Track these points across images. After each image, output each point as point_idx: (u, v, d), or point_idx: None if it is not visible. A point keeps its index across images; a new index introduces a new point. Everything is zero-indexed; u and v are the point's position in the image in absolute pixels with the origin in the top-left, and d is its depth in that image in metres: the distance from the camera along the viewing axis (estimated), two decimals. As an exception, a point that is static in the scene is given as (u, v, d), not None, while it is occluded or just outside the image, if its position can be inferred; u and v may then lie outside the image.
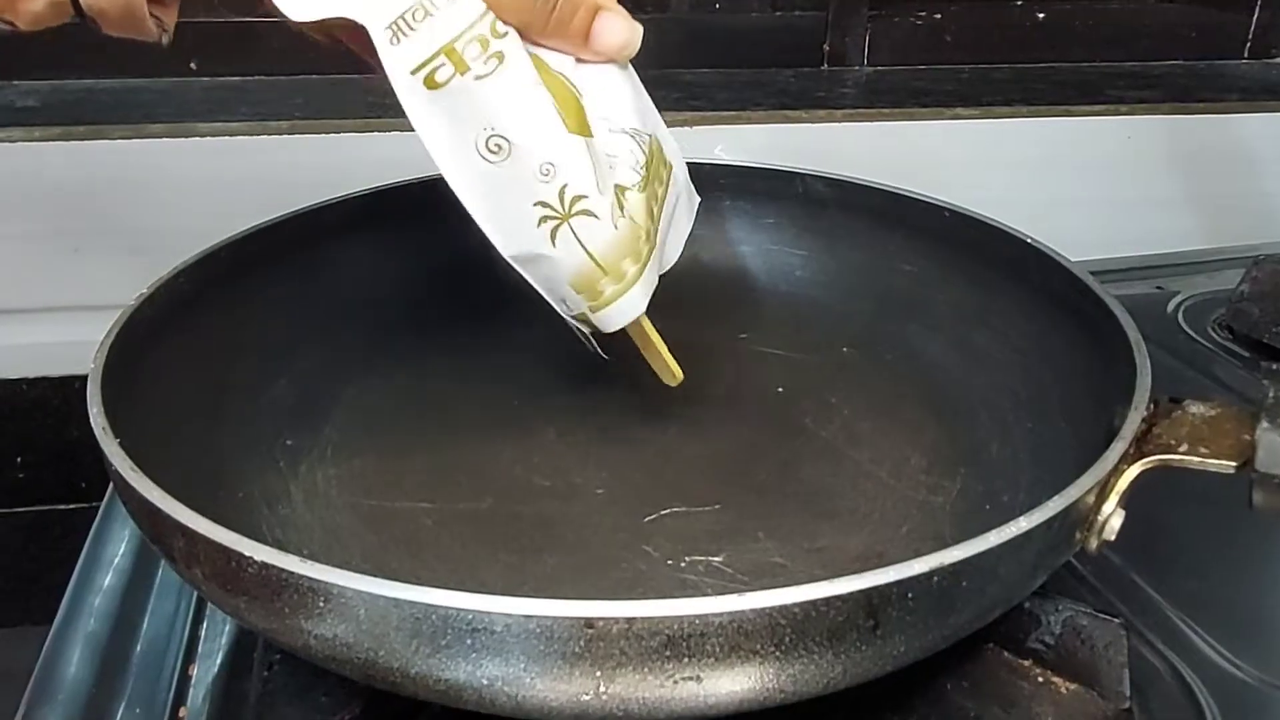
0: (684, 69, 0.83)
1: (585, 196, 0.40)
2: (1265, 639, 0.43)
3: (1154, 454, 0.36)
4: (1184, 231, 0.81)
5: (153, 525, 0.33)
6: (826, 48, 0.85)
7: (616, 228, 0.41)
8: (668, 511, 0.43)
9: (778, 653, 0.29)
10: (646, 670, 0.28)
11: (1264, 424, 0.35)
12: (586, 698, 0.29)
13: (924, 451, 0.47)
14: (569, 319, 0.44)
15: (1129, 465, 0.35)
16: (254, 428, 0.47)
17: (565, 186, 0.40)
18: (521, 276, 0.42)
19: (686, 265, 0.49)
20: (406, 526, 0.43)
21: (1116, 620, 0.38)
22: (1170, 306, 0.68)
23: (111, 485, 0.51)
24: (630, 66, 0.44)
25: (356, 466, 0.46)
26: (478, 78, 0.38)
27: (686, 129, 0.72)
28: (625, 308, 0.43)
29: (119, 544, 0.49)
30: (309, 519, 0.43)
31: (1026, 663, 0.39)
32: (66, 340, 0.67)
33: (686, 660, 0.28)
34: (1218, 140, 0.80)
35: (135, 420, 0.37)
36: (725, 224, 0.60)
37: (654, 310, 0.51)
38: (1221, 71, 0.89)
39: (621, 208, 0.42)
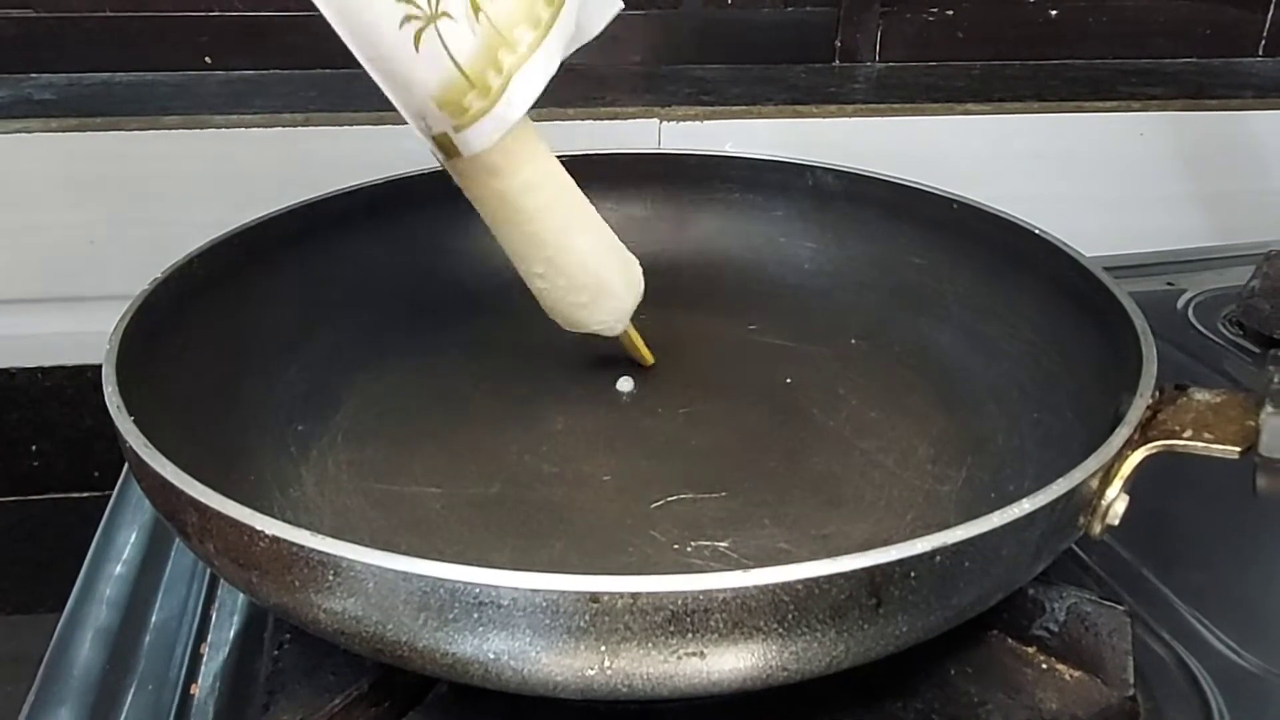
0: (695, 64, 0.83)
1: None
2: (1270, 629, 0.43)
3: (1159, 439, 0.36)
4: (1195, 228, 0.80)
5: (166, 501, 0.33)
6: (838, 43, 0.85)
7: (474, 33, 0.36)
8: (675, 498, 0.44)
9: (781, 630, 0.29)
10: (650, 646, 0.28)
11: (1268, 409, 0.35)
12: (591, 672, 0.29)
13: (931, 441, 0.47)
14: (428, 141, 0.39)
15: (1133, 450, 0.35)
16: (266, 413, 0.47)
17: None
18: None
19: (695, 256, 0.50)
20: (415, 511, 0.43)
21: (1121, 608, 0.38)
22: (1181, 303, 0.68)
23: (124, 472, 0.52)
24: None
25: (367, 452, 0.47)
26: None
27: (697, 123, 0.72)
28: (488, 128, 0.38)
29: (130, 532, 0.50)
30: (319, 502, 0.43)
31: (1031, 649, 0.39)
32: (81, 330, 0.67)
33: (690, 636, 0.28)
34: (1230, 138, 0.80)
35: (149, 402, 0.37)
36: (735, 216, 0.60)
37: (663, 301, 0.51)
38: (1235, 69, 0.89)
39: (477, 10, 0.36)
